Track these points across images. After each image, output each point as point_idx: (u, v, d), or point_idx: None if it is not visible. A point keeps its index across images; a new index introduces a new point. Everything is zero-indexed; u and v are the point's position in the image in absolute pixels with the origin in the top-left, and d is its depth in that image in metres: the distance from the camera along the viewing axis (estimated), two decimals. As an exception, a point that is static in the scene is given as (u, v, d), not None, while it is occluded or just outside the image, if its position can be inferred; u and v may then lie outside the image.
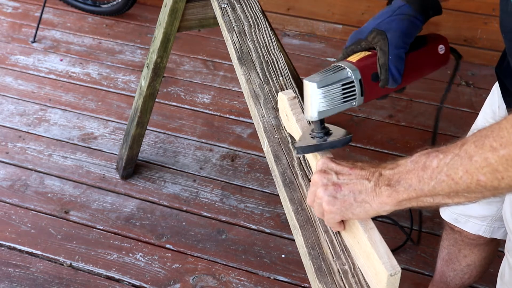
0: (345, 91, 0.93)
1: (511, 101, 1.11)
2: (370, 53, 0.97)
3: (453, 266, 1.58)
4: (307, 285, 1.93)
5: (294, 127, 1.05)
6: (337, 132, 0.98)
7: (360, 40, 0.98)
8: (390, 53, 0.95)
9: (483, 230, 1.39)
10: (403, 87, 1.03)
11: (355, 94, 0.94)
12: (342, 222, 0.87)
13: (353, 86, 0.94)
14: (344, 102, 0.94)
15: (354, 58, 0.96)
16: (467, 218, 1.40)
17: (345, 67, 0.94)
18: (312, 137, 0.98)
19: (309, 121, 1.02)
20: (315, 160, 0.99)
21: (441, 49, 1.05)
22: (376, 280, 0.81)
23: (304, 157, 1.05)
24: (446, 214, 1.45)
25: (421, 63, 1.02)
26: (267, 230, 2.12)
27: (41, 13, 2.97)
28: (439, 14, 1.02)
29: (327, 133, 0.97)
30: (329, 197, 0.83)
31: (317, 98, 0.92)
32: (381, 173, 0.80)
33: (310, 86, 0.92)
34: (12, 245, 2.07)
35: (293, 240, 1.40)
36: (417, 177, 0.75)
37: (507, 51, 0.95)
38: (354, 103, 0.95)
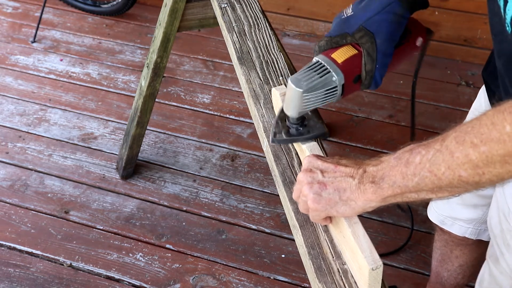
0: (327, 94, 0.95)
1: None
2: (355, 52, 0.97)
3: (447, 266, 1.59)
4: (307, 285, 1.93)
5: None
6: (313, 124, 1.01)
7: (346, 35, 0.97)
8: (378, 61, 0.95)
9: (469, 233, 1.40)
10: None
11: (335, 96, 0.96)
12: (328, 217, 0.88)
13: (336, 90, 0.95)
14: (323, 102, 0.96)
15: (339, 57, 0.96)
16: (453, 220, 1.40)
17: (331, 70, 0.94)
18: (288, 127, 1.01)
19: None
20: (303, 155, 1.00)
21: (419, 41, 1.05)
22: (360, 274, 0.82)
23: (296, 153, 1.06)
24: (433, 216, 1.45)
25: (400, 58, 1.03)
26: (267, 230, 2.12)
27: (41, 13, 2.97)
28: (424, 8, 1.02)
29: (303, 124, 1.00)
30: (314, 195, 0.84)
31: (300, 102, 0.94)
32: (365, 170, 0.80)
33: (295, 91, 0.94)
34: (12, 245, 2.07)
35: (293, 240, 1.40)
36: (401, 174, 0.76)
37: (495, 52, 0.95)
38: (332, 100, 0.97)
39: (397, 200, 0.78)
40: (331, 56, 0.96)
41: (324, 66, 0.95)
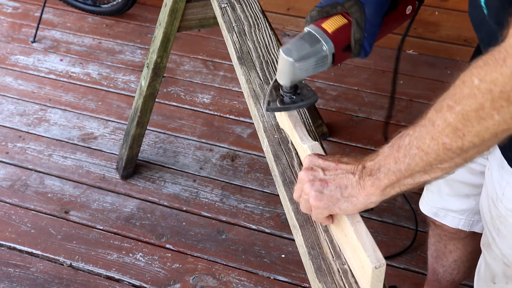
0: (318, 63, 0.98)
1: None
2: (345, 22, 0.99)
3: (442, 262, 1.60)
4: (307, 285, 1.93)
5: (287, 122, 1.07)
6: (306, 92, 1.04)
7: (336, 4, 0.98)
8: (366, 30, 0.97)
9: (462, 224, 1.40)
10: None
11: (326, 64, 0.99)
12: (330, 216, 0.88)
13: (326, 59, 0.98)
14: (314, 70, 0.99)
15: (329, 26, 0.98)
16: (446, 212, 1.41)
17: (321, 40, 0.97)
18: (282, 96, 1.04)
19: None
20: (304, 154, 1.00)
21: (409, 9, 1.07)
22: (362, 272, 0.82)
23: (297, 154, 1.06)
24: (426, 208, 1.46)
25: (389, 26, 1.05)
26: (267, 230, 2.12)
27: (41, 13, 2.97)
28: None
29: (296, 93, 1.04)
30: (316, 192, 0.84)
31: (292, 71, 0.98)
32: (364, 166, 0.81)
33: (286, 61, 0.97)
34: (12, 245, 2.07)
35: (293, 240, 1.40)
36: (394, 159, 0.77)
37: (479, 41, 0.98)
38: (324, 68, 1.00)
39: (396, 190, 0.79)
40: (322, 26, 0.98)
41: (314, 35, 0.97)
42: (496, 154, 1.03)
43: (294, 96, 1.03)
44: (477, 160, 1.19)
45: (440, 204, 1.41)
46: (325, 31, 0.97)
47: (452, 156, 0.71)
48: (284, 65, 0.98)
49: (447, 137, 0.69)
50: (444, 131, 0.69)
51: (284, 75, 0.99)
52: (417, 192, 1.50)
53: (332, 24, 0.98)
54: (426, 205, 1.45)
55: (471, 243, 1.51)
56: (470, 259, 1.56)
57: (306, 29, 0.99)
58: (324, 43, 0.97)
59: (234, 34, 1.35)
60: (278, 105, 1.04)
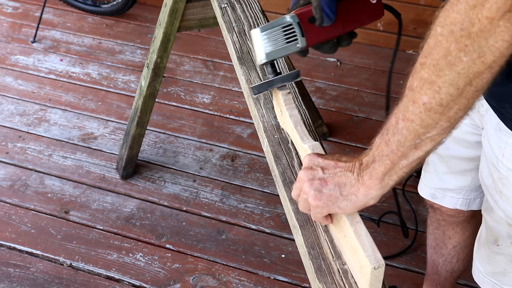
0: (286, 32, 1.02)
1: None
2: (309, 6, 1.04)
3: (441, 251, 1.60)
4: (307, 285, 1.93)
5: (288, 122, 1.06)
6: (287, 72, 1.10)
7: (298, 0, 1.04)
8: None
9: (460, 203, 1.42)
10: (346, 41, 1.08)
11: (296, 35, 1.02)
12: (329, 215, 0.88)
13: (293, 28, 1.02)
14: (288, 42, 1.02)
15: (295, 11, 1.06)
16: (443, 192, 1.42)
17: (286, 15, 1.03)
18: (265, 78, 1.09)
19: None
20: (304, 153, 1.00)
21: None
22: (361, 273, 0.82)
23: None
24: (424, 191, 1.47)
25: (354, 10, 1.08)
26: (267, 230, 2.12)
27: (41, 13, 2.98)
28: None
29: (278, 74, 1.07)
30: (315, 191, 0.84)
31: (260, 41, 1.02)
32: (361, 162, 0.81)
33: (254, 33, 1.02)
34: (12, 245, 2.07)
35: (293, 240, 1.40)
36: (385, 143, 0.77)
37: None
38: (298, 44, 1.02)
39: (393, 178, 0.78)
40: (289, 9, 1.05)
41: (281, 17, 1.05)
42: (492, 120, 1.04)
43: (276, 75, 1.06)
44: (470, 130, 1.20)
45: (438, 184, 1.42)
46: (288, 8, 1.04)
47: (435, 118, 0.70)
48: (253, 39, 1.03)
49: (425, 95, 0.69)
50: (422, 89, 0.69)
51: (256, 49, 1.03)
52: (417, 192, 1.50)
53: (297, 10, 1.04)
54: (424, 188, 1.47)
55: (469, 227, 1.53)
56: (469, 244, 1.58)
57: None
58: (288, 16, 1.02)
59: (234, 34, 1.35)
60: (261, 82, 1.07)
